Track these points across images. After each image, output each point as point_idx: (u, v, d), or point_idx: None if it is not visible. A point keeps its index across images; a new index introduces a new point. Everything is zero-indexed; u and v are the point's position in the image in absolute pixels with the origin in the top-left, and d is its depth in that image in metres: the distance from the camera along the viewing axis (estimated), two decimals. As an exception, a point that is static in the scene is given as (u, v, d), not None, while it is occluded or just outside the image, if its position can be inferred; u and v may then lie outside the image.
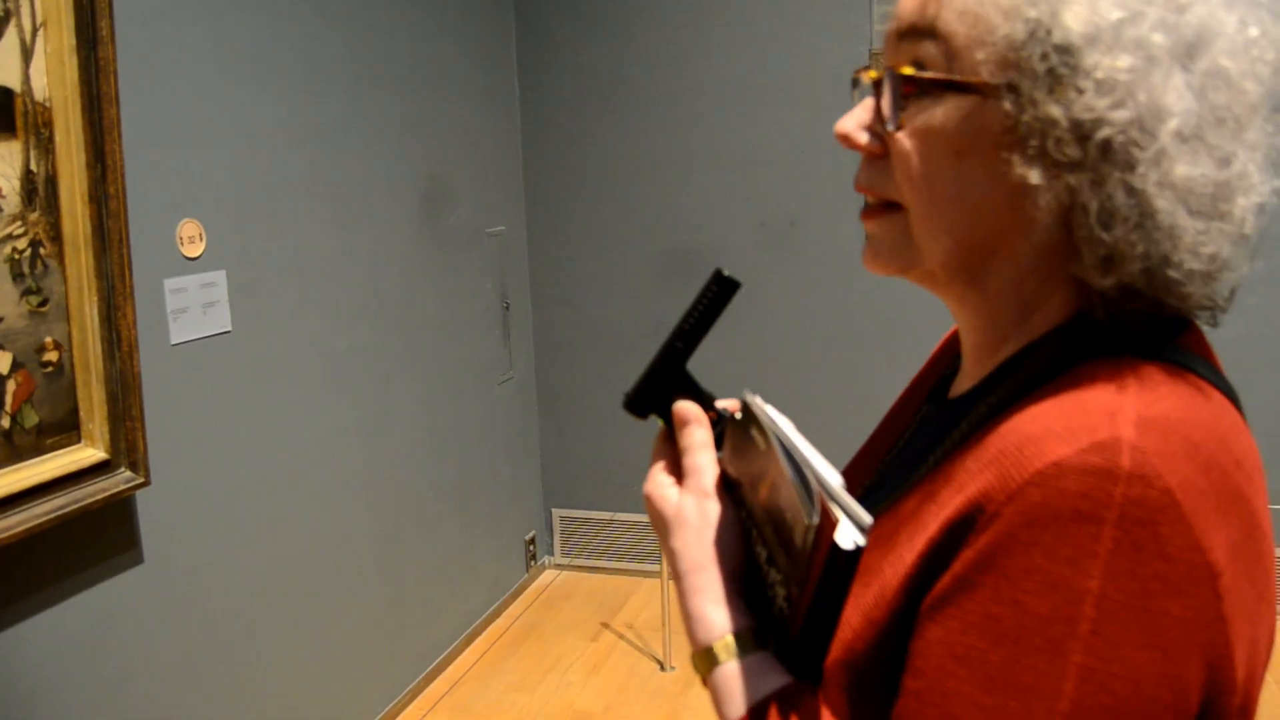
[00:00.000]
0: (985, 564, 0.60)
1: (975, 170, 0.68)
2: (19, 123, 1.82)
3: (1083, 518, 0.58)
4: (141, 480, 2.10)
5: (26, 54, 1.83)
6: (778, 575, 0.70)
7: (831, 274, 3.65)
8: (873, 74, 0.74)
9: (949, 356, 0.90)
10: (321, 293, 2.80)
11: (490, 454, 3.78)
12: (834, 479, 0.66)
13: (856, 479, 0.89)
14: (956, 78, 0.68)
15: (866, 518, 0.63)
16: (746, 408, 0.75)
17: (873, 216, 0.76)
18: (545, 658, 3.50)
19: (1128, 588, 0.57)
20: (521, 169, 3.98)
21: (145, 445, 2.10)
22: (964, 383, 0.80)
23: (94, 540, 2.10)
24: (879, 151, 0.73)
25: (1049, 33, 0.64)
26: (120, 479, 2.06)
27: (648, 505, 0.81)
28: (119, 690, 2.17)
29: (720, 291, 0.80)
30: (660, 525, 0.79)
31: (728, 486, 0.77)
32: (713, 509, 0.76)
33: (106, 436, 2.02)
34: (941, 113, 0.69)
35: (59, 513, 1.92)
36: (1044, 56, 0.64)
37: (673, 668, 3.35)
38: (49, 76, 1.87)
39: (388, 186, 3.11)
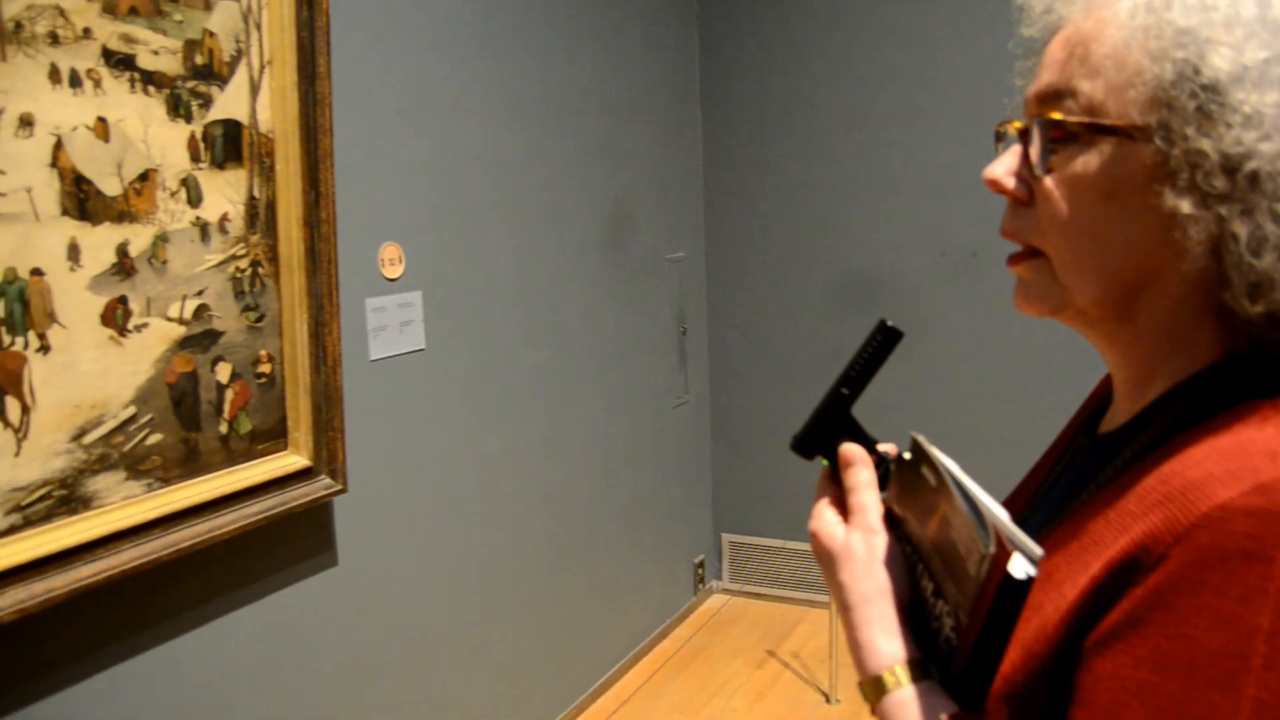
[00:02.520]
0: (1155, 602, 0.62)
1: (1125, 210, 0.71)
2: (245, 153, 1.97)
3: (1251, 557, 0.59)
4: (340, 487, 2.23)
5: (254, 89, 1.98)
6: (945, 606, 0.73)
7: (1013, 306, 3.56)
8: (1017, 125, 0.78)
9: (1103, 392, 0.91)
10: (508, 313, 2.92)
11: (663, 476, 3.83)
12: (1001, 513, 0.69)
13: (1012, 509, 0.90)
14: (1106, 121, 0.71)
15: (1037, 550, 0.66)
16: (917, 446, 0.79)
17: (1018, 262, 0.79)
18: (710, 682, 3.51)
19: None
20: (702, 196, 4.04)
21: (344, 454, 2.23)
22: (1116, 418, 0.81)
23: (295, 542, 2.24)
24: (1025, 198, 0.77)
25: (1197, 72, 0.67)
26: (320, 485, 2.19)
27: (813, 541, 0.84)
28: (308, 684, 2.31)
29: (884, 341, 0.86)
30: (827, 560, 0.82)
31: (891, 523, 0.81)
32: (879, 543, 0.80)
33: (310, 445, 2.16)
34: (1090, 158, 0.72)
35: (266, 514, 2.06)
36: (1192, 95, 0.67)
37: (838, 700, 3.32)
38: (272, 110, 2.02)
39: (573, 213, 3.21)
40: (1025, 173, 0.77)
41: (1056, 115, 0.73)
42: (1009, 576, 0.65)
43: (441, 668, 2.72)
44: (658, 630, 3.83)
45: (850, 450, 0.85)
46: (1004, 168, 0.77)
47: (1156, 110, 0.69)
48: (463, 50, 2.70)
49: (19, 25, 1.58)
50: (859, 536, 0.81)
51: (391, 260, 2.46)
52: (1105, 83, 0.71)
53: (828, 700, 3.34)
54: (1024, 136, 0.76)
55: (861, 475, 0.84)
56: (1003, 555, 0.65)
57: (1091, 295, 0.74)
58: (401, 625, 2.57)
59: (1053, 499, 0.83)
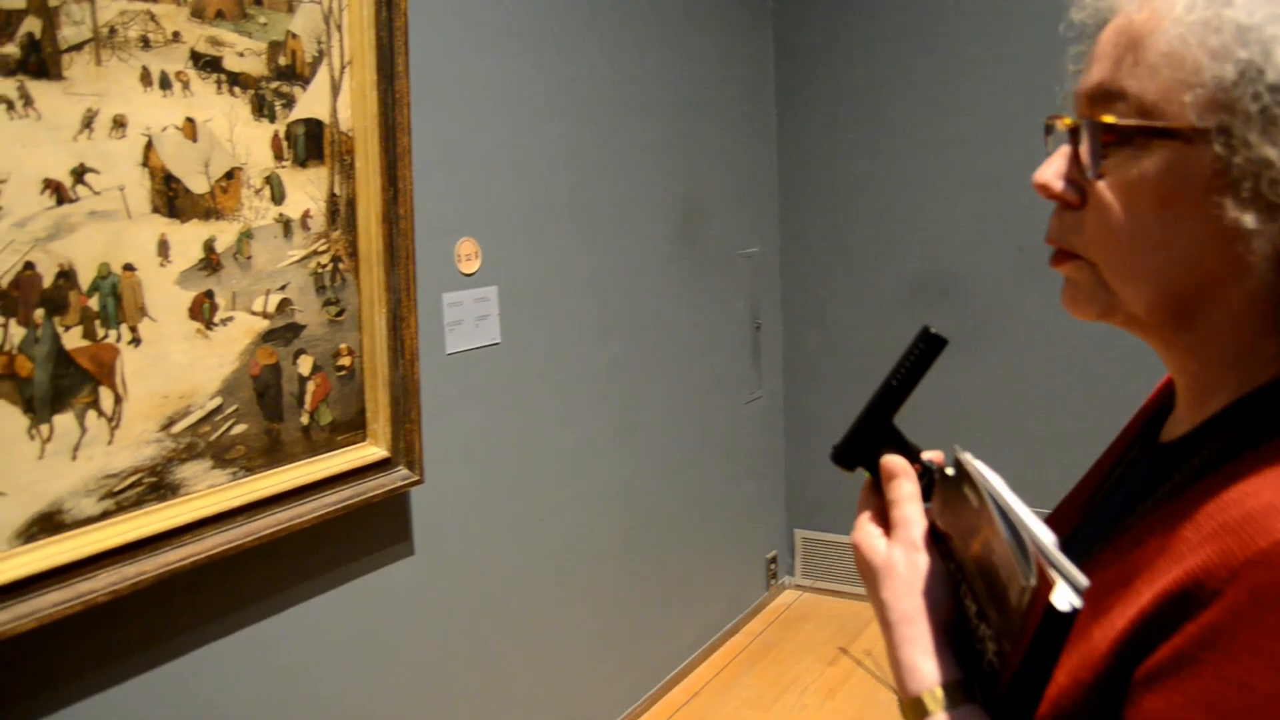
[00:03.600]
0: (1208, 641, 0.59)
1: (1181, 218, 0.67)
2: (326, 151, 2.02)
3: None
4: (416, 478, 2.27)
5: (335, 89, 2.03)
6: (988, 630, 0.71)
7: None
8: (1067, 121, 0.73)
9: (1166, 394, 0.87)
10: (582, 308, 2.95)
11: (735, 472, 3.84)
12: (1047, 537, 0.66)
13: (1066, 516, 0.88)
14: (1161, 124, 0.66)
15: (1083, 580, 0.63)
16: (959, 465, 0.76)
17: (1061, 262, 0.75)
18: (781, 678, 3.51)
19: None
20: (776, 191, 4.03)
21: (421, 446, 2.27)
22: (1177, 427, 0.78)
23: (372, 531, 2.30)
24: (1076, 202, 0.72)
25: (1261, 73, 0.62)
26: (398, 476, 2.24)
27: (855, 555, 0.82)
28: (386, 669, 2.36)
29: (927, 349, 0.83)
30: (868, 575, 0.80)
31: (935, 539, 0.78)
32: (922, 560, 0.77)
33: (388, 436, 2.20)
34: (1145, 162, 0.67)
35: (345, 504, 2.11)
36: (1256, 97, 0.62)
37: (912, 699, 3.29)
38: (352, 109, 2.06)
39: (646, 208, 3.23)
40: (1076, 174, 0.72)
41: (1108, 118, 0.68)
42: (1052, 608, 0.62)
43: (514, 657, 2.76)
44: (729, 625, 3.84)
45: (892, 462, 0.83)
46: (1053, 171, 0.73)
47: (1216, 113, 0.64)
48: (538, 47, 2.73)
49: (113, 30, 1.64)
50: (900, 552, 0.78)
51: (468, 255, 2.51)
52: (1161, 82, 0.66)
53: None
54: (1074, 136, 0.72)
55: (904, 488, 0.81)
56: (1044, 588, 0.63)
57: (1144, 303, 0.71)
58: (476, 614, 2.61)
59: (1109, 510, 0.80)
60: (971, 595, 0.73)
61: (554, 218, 2.81)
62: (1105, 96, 0.69)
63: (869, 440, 0.85)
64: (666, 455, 3.39)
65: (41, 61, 1.55)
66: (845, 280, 3.95)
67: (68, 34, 1.58)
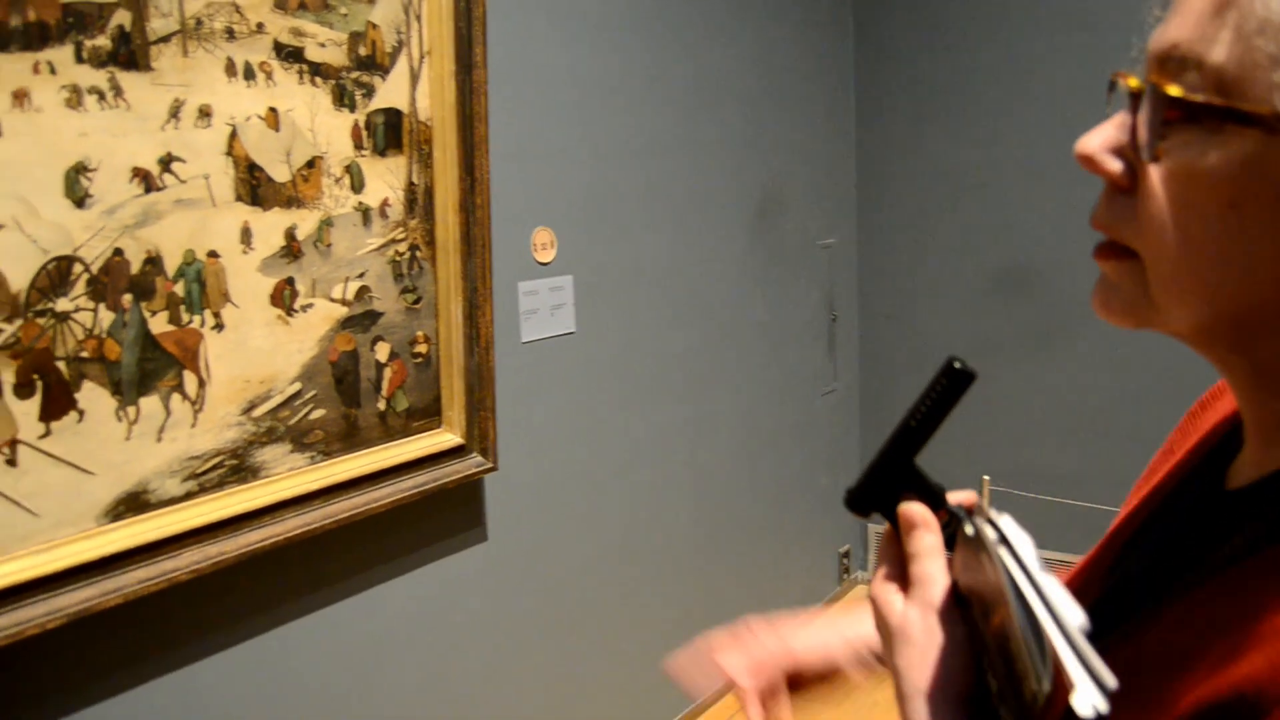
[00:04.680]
0: None
1: (1253, 225, 0.54)
2: (405, 140, 2.05)
3: None
4: (490, 465, 2.29)
5: (414, 79, 2.05)
6: (1008, 715, 0.62)
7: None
8: (1134, 81, 0.58)
9: (1224, 414, 0.74)
10: (657, 298, 2.94)
11: (809, 464, 3.81)
12: (1074, 618, 0.57)
13: (1107, 558, 0.77)
14: (1242, 106, 0.53)
15: (1110, 680, 0.53)
16: (978, 531, 0.67)
17: (1107, 257, 0.64)
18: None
19: None
20: (854, 181, 3.99)
21: (495, 433, 2.29)
22: (1246, 470, 0.65)
23: (446, 517, 2.32)
24: (1126, 184, 0.60)
25: None
26: (472, 463, 2.26)
27: (872, 609, 0.72)
28: (457, 653, 2.39)
29: (951, 384, 0.72)
30: (884, 635, 0.71)
31: (958, 600, 0.68)
32: (940, 625, 0.67)
33: (463, 423, 2.23)
34: (1215, 151, 0.54)
35: (420, 489, 2.14)
36: None
37: (986, 698, 3.24)
38: (431, 99, 2.08)
39: (723, 198, 3.21)
40: (1131, 151, 0.59)
41: (1175, 90, 0.55)
42: (1072, 713, 0.53)
43: (583, 645, 2.77)
44: (801, 618, 3.81)
45: (912, 511, 0.72)
46: (1102, 141, 0.60)
47: None
48: (614, 37, 2.73)
49: (199, 22, 1.68)
50: (917, 615, 0.67)
51: (544, 245, 2.52)
52: (1251, 55, 0.52)
53: (974, 697, 3.27)
54: (1135, 102, 0.58)
55: (924, 541, 0.70)
56: (1062, 690, 0.54)
57: (1190, 321, 0.59)
58: (547, 602, 2.63)
59: (1162, 559, 0.69)
60: (993, 672, 0.64)
61: (630, 207, 2.82)
62: (1178, 61, 0.55)
63: (887, 484, 0.75)
64: (740, 447, 3.38)
65: (131, 53, 1.59)
66: (923, 272, 3.89)
67: (156, 26, 1.62)
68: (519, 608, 2.55)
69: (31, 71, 1.48)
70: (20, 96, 1.47)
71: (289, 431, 1.89)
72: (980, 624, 0.64)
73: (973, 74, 3.68)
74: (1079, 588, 0.76)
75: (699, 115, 3.07)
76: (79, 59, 1.53)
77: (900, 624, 0.68)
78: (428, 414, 2.17)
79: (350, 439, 2.00)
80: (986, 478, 3.58)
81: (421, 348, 2.14)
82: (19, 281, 1.49)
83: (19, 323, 1.50)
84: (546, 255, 2.53)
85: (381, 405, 2.06)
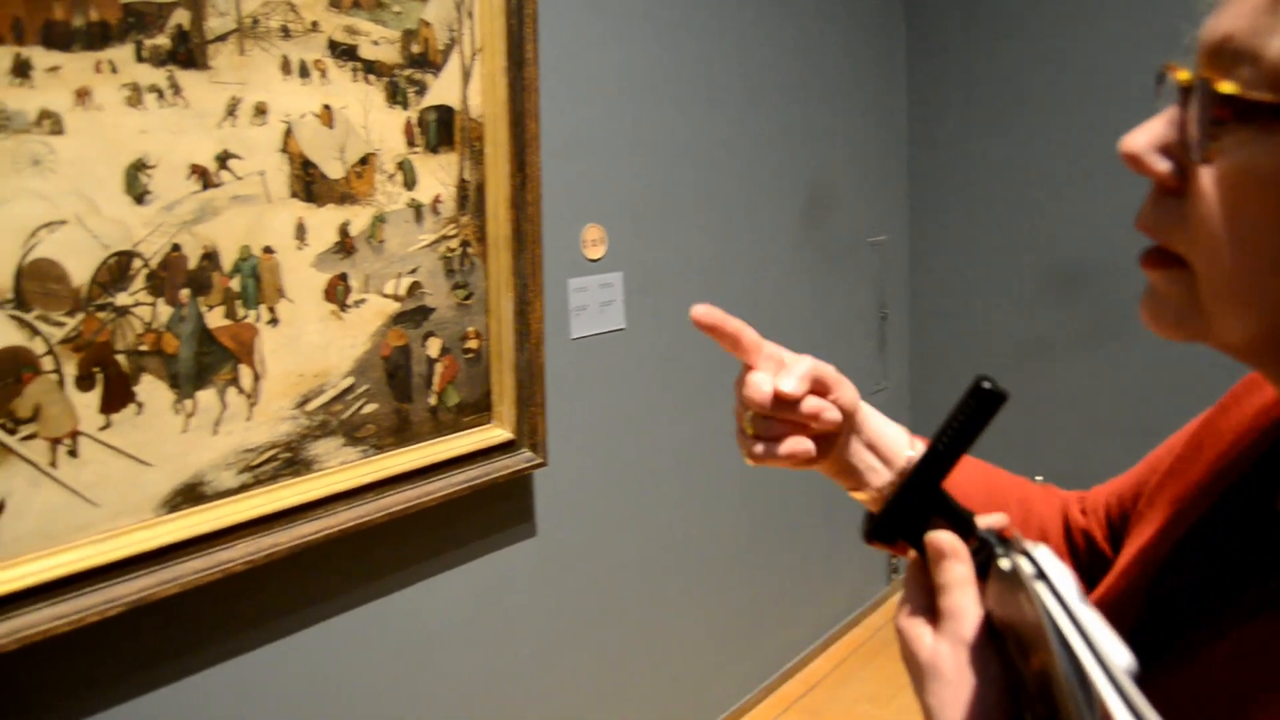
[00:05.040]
0: None
1: None
2: (457, 137, 2.06)
3: None
4: (540, 461, 2.30)
5: (466, 76, 2.06)
6: None
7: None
8: (1184, 75, 0.54)
9: (1259, 411, 0.70)
10: (706, 295, 2.94)
11: (859, 463, 3.78)
12: (1121, 660, 0.53)
13: (1142, 578, 0.72)
14: None
15: None
16: (1015, 568, 0.63)
17: (1154, 266, 0.59)
18: (901, 674, 3.44)
19: None
20: (906, 178, 3.95)
21: (545, 429, 2.30)
22: None
23: (496, 512, 2.34)
24: (1175, 185, 0.56)
25: None
26: (522, 458, 2.27)
27: (900, 642, 0.69)
28: (506, 647, 2.40)
29: (979, 406, 0.69)
30: (914, 670, 0.67)
31: (992, 633, 0.64)
32: (973, 662, 0.63)
33: (513, 419, 2.24)
34: (1273, 154, 0.50)
35: (470, 484, 2.15)
36: None
37: (1038, 701, 3.20)
38: (482, 96, 2.10)
39: (772, 194, 3.20)
40: (1180, 150, 0.55)
41: (1227, 87, 0.50)
42: None
43: (632, 641, 2.78)
44: (849, 618, 3.80)
45: (940, 540, 0.67)
46: (1149, 138, 0.56)
47: None
48: (664, 33, 2.72)
49: (255, 21, 1.70)
50: (947, 650, 0.64)
51: (594, 241, 2.52)
52: None
53: (1026, 700, 3.23)
54: (1185, 97, 0.54)
55: (954, 571, 0.66)
56: None
57: (1244, 333, 0.55)
58: (596, 597, 2.64)
59: (1209, 583, 0.64)
60: (1032, 712, 0.60)
61: (680, 204, 2.81)
62: (1232, 55, 0.51)
63: (913, 511, 0.71)
64: (789, 444, 3.36)
65: (189, 52, 1.62)
66: (975, 269, 3.85)
67: (214, 25, 1.65)
68: (568, 603, 2.56)
69: (93, 70, 1.51)
70: (82, 95, 1.50)
71: (342, 425, 1.91)
72: (1018, 661, 0.61)
73: (1027, 67, 3.63)
74: (1112, 608, 0.72)
75: (749, 111, 3.06)
76: (139, 58, 1.56)
77: (931, 660, 0.65)
78: (478, 409, 2.18)
79: (402, 433, 2.02)
80: (1039, 478, 3.53)
81: (472, 343, 2.15)
82: (80, 276, 1.52)
83: (80, 316, 1.53)
84: (596, 251, 2.54)
85: (433, 400, 2.08)
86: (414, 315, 2.02)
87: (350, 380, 1.92)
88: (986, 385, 0.68)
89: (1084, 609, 0.56)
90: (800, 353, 0.84)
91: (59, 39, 1.47)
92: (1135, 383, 3.50)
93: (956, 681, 0.62)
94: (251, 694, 1.88)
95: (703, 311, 0.81)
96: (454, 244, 2.08)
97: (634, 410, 2.72)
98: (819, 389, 0.83)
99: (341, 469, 1.91)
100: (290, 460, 1.83)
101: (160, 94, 1.59)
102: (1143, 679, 0.50)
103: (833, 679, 3.45)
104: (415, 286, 2.01)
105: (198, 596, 1.73)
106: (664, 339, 2.79)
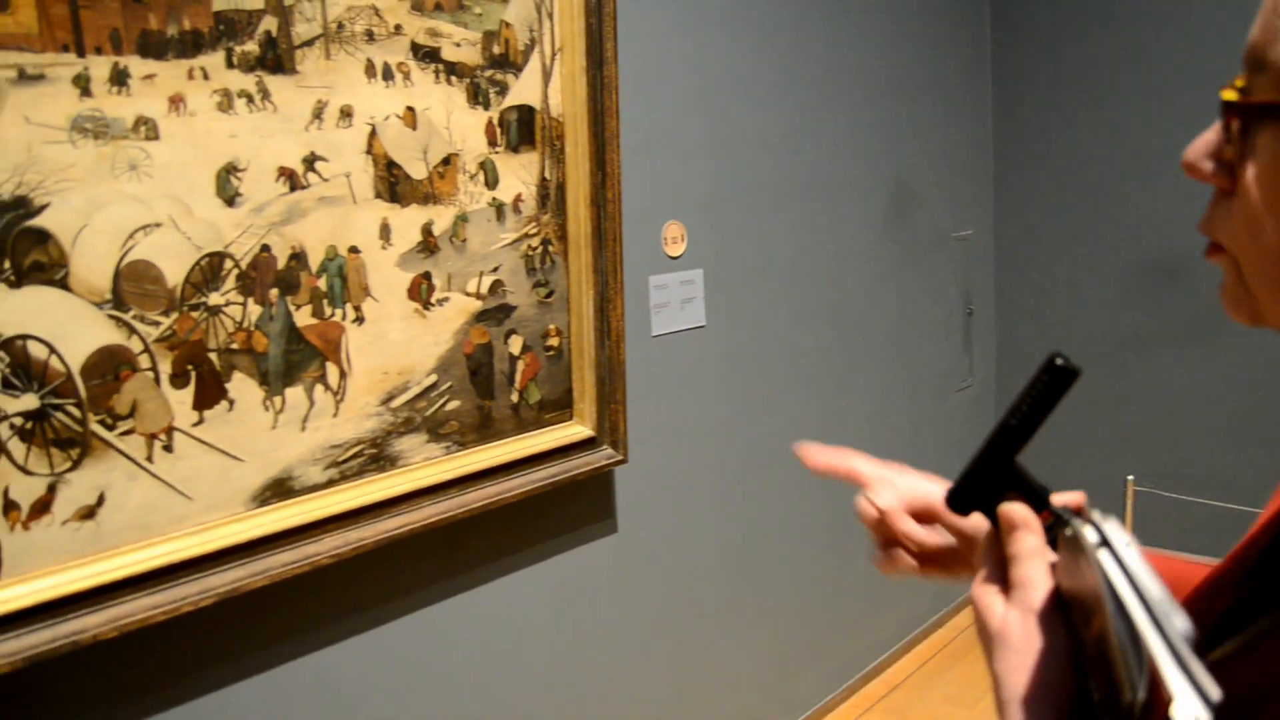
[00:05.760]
0: None
1: None
2: (538, 136, 2.08)
3: None
4: (620, 458, 2.31)
5: (546, 76, 2.08)
6: None
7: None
8: (1229, 92, 0.59)
9: None
10: (787, 292, 2.92)
11: (944, 462, 3.73)
12: (1180, 625, 0.54)
13: (1240, 568, 0.72)
14: None
15: (1214, 692, 0.50)
16: (1076, 533, 0.65)
17: (1212, 254, 0.65)
18: (987, 676, 3.39)
19: None
20: (992, 172, 3.88)
21: (625, 426, 2.31)
22: None
23: (577, 509, 2.35)
24: (1227, 186, 0.60)
25: None
26: (603, 455, 2.28)
27: (973, 611, 0.71)
28: (583, 644, 2.42)
29: (1052, 382, 0.70)
30: (984, 639, 0.69)
31: (1061, 605, 0.66)
32: (1040, 631, 0.65)
33: (594, 416, 2.25)
34: None
35: (552, 480, 2.17)
36: None
37: (1130, 706, 3.12)
38: (563, 95, 2.11)
39: (854, 190, 3.17)
40: (1227, 154, 0.60)
41: (1243, 93, 0.56)
42: None
43: (712, 639, 2.77)
44: (934, 618, 3.74)
45: (1013, 511, 0.70)
46: (1202, 146, 0.61)
47: None
48: (744, 29, 2.71)
49: (340, 25, 1.74)
50: (1017, 618, 0.66)
51: (674, 238, 2.53)
52: None
53: (1117, 704, 3.15)
54: (1229, 107, 0.59)
55: (1026, 542, 0.68)
56: (1159, 703, 0.51)
57: None
58: (676, 595, 2.64)
59: None
60: (1095, 681, 0.61)
61: (761, 201, 2.80)
62: (1254, 62, 0.56)
63: (988, 483, 0.74)
64: (872, 442, 3.33)
65: (278, 58, 1.66)
66: (1064, 264, 3.77)
67: (300, 31, 1.68)
68: (648, 599, 2.56)
69: (186, 77, 1.56)
70: (176, 101, 1.55)
71: (425, 422, 1.94)
72: (1081, 630, 0.62)
73: (1117, 55, 3.55)
74: (1207, 596, 0.72)
75: (831, 105, 3.03)
76: (229, 64, 1.60)
77: (1000, 628, 0.67)
78: (559, 406, 2.20)
79: (484, 430, 2.05)
80: (1130, 478, 3.45)
81: (553, 341, 2.17)
82: (175, 277, 1.57)
83: (175, 316, 1.57)
84: (677, 249, 2.54)
85: (514, 397, 2.10)
86: (496, 313, 2.04)
87: (434, 378, 1.94)
88: (1060, 361, 0.70)
89: (1147, 577, 0.57)
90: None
91: (154, 48, 1.52)
92: (1231, 381, 3.40)
93: (1023, 649, 0.64)
94: (336, 686, 1.93)
95: (813, 461, 0.94)
96: (535, 242, 2.10)
97: (714, 407, 2.71)
98: (924, 515, 0.94)
99: (425, 465, 1.95)
100: (375, 456, 1.86)
101: (250, 99, 1.63)
102: (1220, 658, 0.50)
103: (916, 679, 3.41)
104: (497, 285, 2.04)
105: (286, 589, 1.77)
106: (744, 336, 2.78)
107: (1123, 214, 3.60)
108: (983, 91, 3.82)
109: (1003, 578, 0.70)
